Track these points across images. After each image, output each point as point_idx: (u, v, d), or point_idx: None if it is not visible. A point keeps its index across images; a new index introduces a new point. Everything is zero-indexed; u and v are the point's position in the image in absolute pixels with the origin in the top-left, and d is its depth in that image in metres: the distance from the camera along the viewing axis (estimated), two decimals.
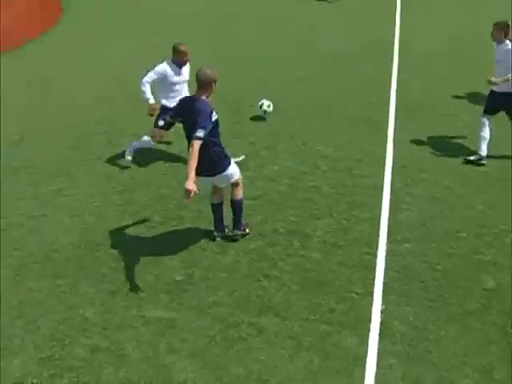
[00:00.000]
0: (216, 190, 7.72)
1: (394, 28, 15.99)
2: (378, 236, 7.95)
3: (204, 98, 7.05)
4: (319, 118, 11.03)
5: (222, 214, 7.85)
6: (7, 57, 14.14)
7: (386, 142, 10.27)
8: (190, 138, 6.89)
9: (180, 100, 7.61)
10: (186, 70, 9.30)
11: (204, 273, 7.31)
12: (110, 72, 13.00)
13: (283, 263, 7.47)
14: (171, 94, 9.19)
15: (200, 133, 6.71)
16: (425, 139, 10.36)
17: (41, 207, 8.67)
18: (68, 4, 17.96)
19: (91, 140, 10.39)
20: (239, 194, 7.69)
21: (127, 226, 8.19)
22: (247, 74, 12.98)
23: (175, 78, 9.19)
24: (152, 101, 9.09)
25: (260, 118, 11.08)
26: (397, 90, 12.13)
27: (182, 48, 9.14)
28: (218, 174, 7.29)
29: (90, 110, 11.42)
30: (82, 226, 8.23)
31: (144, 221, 8.29)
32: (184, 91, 9.26)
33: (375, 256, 7.58)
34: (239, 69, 13.23)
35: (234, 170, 7.48)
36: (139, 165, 9.61)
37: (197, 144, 6.68)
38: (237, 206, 7.75)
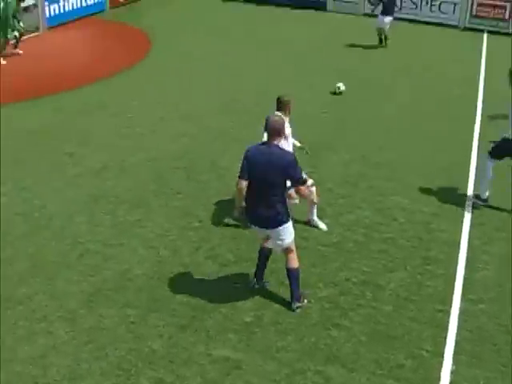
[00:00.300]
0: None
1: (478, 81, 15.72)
2: (452, 294, 7.80)
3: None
4: (398, 170, 10.93)
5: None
6: (95, 87, 14.59)
7: (465, 198, 10.09)
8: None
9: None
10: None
11: (274, 316, 7.29)
12: (192, 108, 13.23)
13: (354, 313, 7.39)
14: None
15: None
16: (504, 197, 10.10)
17: (118, 236, 8.83)
18: (154, 38, 18.45)
19: (171, 174, 10.56)
20: (295, 262, 7.41)
21: (201, 263, 8.26)
22: (324, 118, 12.99)
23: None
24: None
25: (339, 165, 11.05)
26: (478, 147, 11.92)
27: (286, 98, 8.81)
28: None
29: (172, 144, 11.62)
30: (157, 258, 8.35)
31: (218, 259, 8.34)
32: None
33: (448, 314, 7.43)
34: (315, 112, 13.25)
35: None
36: (216, 203, 9.69)
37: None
38: (292, 276, 7.43)
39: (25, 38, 18.47)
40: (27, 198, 9.76)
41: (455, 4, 20.89)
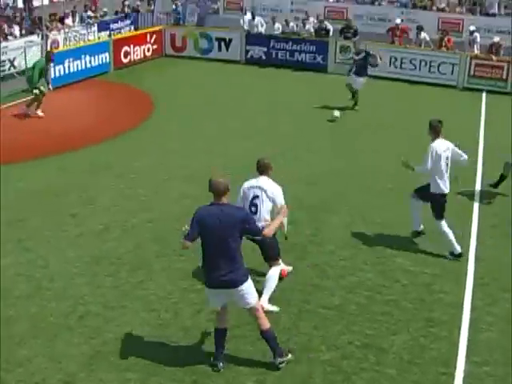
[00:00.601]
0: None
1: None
2: (457, 356, 7.74)
3: None
4: (400, 230, 10.92)
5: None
6: (99, 148, 14.74)
7: (467, 258, 10.07)
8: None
9: None
10: None
11: (276, 381, 7.22)
12: (195, 170, 13.32)
13: (357, 377, 7.33)
14: None
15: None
16: (508, 256, 10.08)
17: (119, 298, 8.81)
18: (157, 100, 18.70)
19: (173, 236, 10.54)
20: (266, 321, 7.37)
21: (202, 326, 8.19)
22: (326, 183, 13.04)
23: None
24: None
25: (340, 227, 11.06)
26: (479, 207, 11.95)
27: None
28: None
29: (174, 205, 11.65)
30: (158, 321, 8.31)
31: None
32: None
33: (452, 377, 7.37)
34: (320, 177, 13.32)
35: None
36: None
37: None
38: (268, 337, 7.40)
39: (30, 97, 18.82)
40: (30, 259, 9.77)
41: (453, 65, 21.21)
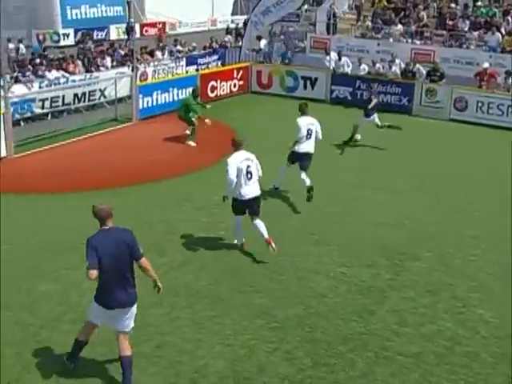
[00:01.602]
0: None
1: None
2: None
3: None
4: (483, 279, 10.62)
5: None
6: (182, 179, 15.01)
7: None
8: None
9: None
10: None
11: None
12: (272, 207, 13.37)
13: None
14: None
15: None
16: None
17: (196, 331, 8.86)
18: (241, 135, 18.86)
19: (251, 272, 10.60)
20: (129, 349, 7.69)
21: (277, 365, 8.15)
22: (410, 226, 12.85)
23: None
24: None
25: (422, 273, 10.83)
26: None
27: None
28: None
29: (254, 241, 11.68)
30: (233, 356, 8.30)
31: (295, 362, 8.21)
32: None
33: None
34: (404, 220, 13.15)
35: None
36: (293, 306, 9.64)
37: None
38: (128, 363, 7.62)
39: (119, 127, 19.43)
40: None
41: None
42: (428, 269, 10.99)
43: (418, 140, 19.04)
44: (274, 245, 10.85)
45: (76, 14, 38.66)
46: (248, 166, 10.89)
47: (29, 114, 19.26)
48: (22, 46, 28.41)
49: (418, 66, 23.44)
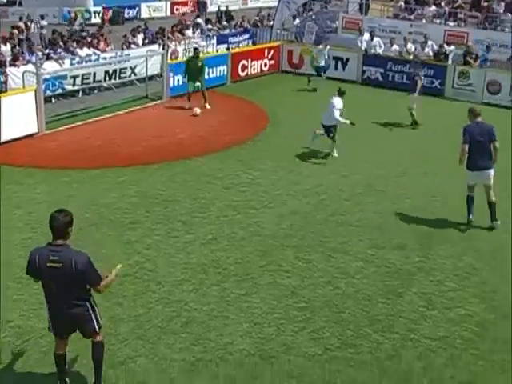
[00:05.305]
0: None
1: None
2: None
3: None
4: None
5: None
6: (212, 158, 15.03)
7: None
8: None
9: None
10: None
11: None
12: (306, 186, 13.35)
13: None
14: None
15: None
16: None
17: (224, 308, 8.91)
18: (274, 117, 18.83)
19: (280, 251, 10.60)
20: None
21: (304, 344, 8.17)
22: (440, 210, 12.75)
23: None
24: None
25: (451, 256, 10.75)
26: None
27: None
28: None
29: (283, 220, 11.71)
30: (260, 335, 8.34)
31: (321, 342, 8.22)
32: None
33: None
34: (435, 204, 13.04)
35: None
36: (322, 285, 9.64)
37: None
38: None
39: (148, 105, 19.47)
40: (139, 261, 10.07)
41: None
42: (458, 252, 10.91)
43: (449, 123, 18.80)
44: None
45: None
46: None
47: (60, 91, 19.41)
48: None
49: (452, 47, 23.15)
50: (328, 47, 23.15)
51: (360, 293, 9.40)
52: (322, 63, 22.90)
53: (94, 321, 6.84)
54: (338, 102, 14.93)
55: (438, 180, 14.09)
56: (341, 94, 15.21)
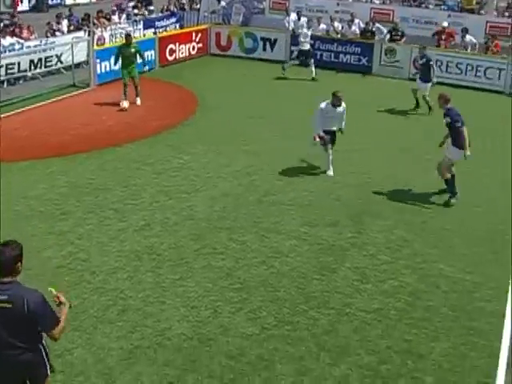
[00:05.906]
0: None
1: None
2: (497, 367, 7.59)
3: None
4: (443, 236, 10.79)
5: None
6: (141, 144, 14.85)
7: (511, 267, 9.88)
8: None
9: None
10: None
11: (313, 382, 7.18)
12: (239, 168, 13.36)
13: (394, 383, 7.25)
14: None
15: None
16: None
17: (159, 294, 8.87)
18: (203, 100, 18.72)
19: (213, 234, 10.60)
20: None
21: (241, 325, 8.21)
22: (367, 182, 12.95)
23: None
24: None
25: (382, 230, 10.94)
26: None
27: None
28: None
29: (215, 203, 11.70)
30: (197, 318, 8.34)
31: (258, 321, 8.28)
32: None
33: None
34: (359, 176, 13.23)
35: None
36: (256, 266, 9.69)
37: None
38: None
39: (76, 93, 19.10)
40: (72, 252, 9.90)
41: (501, 70, 20.87)
42: (389, 226, 11.12)
43: (378, 99, 19.06)
44: None
45: None
46: None
47: None
48: None
49: (377, 25, 23.40)
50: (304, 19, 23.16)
51: (294, 271, 9.49)
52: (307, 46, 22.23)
53: (48, 364, 5.95)
54: (344, 107, 13.51)
55: (365, 156, 14.32)
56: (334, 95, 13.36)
